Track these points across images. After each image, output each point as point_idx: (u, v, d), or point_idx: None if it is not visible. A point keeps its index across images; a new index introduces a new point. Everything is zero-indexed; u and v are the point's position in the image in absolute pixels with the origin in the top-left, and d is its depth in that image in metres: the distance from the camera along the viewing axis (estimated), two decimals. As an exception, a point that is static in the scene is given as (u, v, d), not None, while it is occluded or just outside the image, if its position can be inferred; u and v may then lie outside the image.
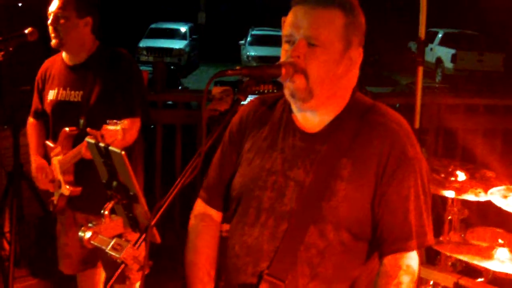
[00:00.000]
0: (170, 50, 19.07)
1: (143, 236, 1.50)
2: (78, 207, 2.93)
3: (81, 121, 2.80)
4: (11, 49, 2.99)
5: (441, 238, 3.01)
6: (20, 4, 4.63)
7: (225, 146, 1.83)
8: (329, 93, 1.62)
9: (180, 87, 11.86)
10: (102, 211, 1.60)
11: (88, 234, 1.57)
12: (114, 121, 1.88)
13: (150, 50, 18.93)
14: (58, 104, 2.92)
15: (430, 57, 17.47)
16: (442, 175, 3.06)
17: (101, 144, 1.59)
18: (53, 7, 2.86)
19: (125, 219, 1.62)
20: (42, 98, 3.03)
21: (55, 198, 2.94)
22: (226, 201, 1.82)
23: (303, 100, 1.62)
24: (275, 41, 14.04)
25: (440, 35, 18.39)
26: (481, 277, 2.87)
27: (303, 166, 1.63)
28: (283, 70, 1.56)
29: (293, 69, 1.58)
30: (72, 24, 2.85)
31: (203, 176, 1.88)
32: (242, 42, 20.39)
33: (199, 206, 1.87)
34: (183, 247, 1.85)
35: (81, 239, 1.58)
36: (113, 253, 1.51)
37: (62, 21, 2.83)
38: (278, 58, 1.68)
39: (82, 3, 2.88)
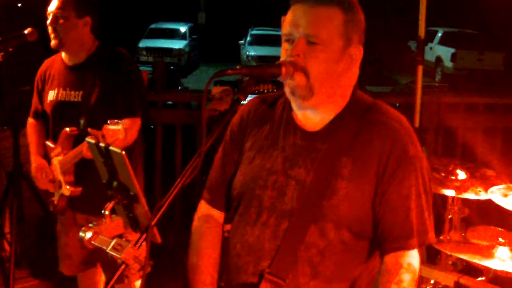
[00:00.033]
0: (170, 50, 19.06)
1: (144, 236, 1.50)
2: (78, 208, 2.93)
3: (82, 121, 2.80)
4: (10, 49, 2.99)
5: (441, 237, 3.01)
6: (19, 5, 4.63)
7: (227, 145, 1.83)
8: (329, 91, 1.62)
9: (180, 87, 11.86)
10: (102, 211, 1.60)
11: (88, 235, 1.57)
12: (115, 120, 1.88)
13: (150, 50, 18.92)
14: (58, 104, 2.92)
15: (430, 56, 17.48)
16: (442, 174, 3.06)
17: (102, 144, 1.59)
18: (52, 7, 2.86)
19: (125, 219, 1.62)
20: (41, 98, 3.03)
21: (55, 199, 2.94)
22: (228, 201, 1.82)
23: (303, 98, 1.62)
24: (275, 41, 14.03)
25: (439, 34, 18.38)
26: (481, 276, 2.87)
27: (304, 165, 1.63)
28: (283, 69, 1.56)
29: (293, 68, 1.58)
30: (71, 24, 2.85)
31: (203, 176, 1.88)
32: (242, 42, 20.40)
33: (203, 207, 1.87)
34: (183, 247, 1.84)
35: (81, 239, 1.58)
36: (113, 253, 1.51)
37: (61, 21, 2.83)
38: (278, 57, 1.68)
39: (81, 3, 2.87)
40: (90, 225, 1.59)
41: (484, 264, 2.58)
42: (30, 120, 3.14)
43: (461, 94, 6.66)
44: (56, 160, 2.88)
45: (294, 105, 1.69)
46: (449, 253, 2.82)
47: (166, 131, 5.19)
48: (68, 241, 3.02)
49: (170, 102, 6.18)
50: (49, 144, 2.94)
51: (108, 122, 1.89)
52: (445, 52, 17.84)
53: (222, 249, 1.82)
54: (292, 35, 1.61)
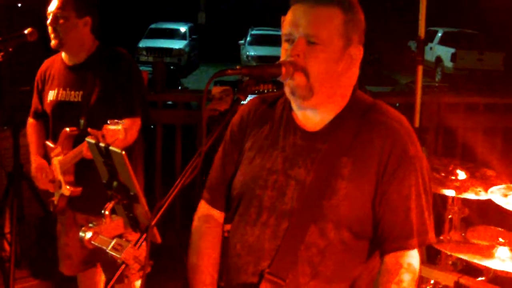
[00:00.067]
0: (170, 50, 19.06)
1: (144, 236, 1.50)
2: (78, 208, 2.93)
3: (82, 121, 2.80)
4: (10, 49, 2.99)
5: (441, 237, 3.01)
6: (19, 5, 4.63)
7: (227, 145, 1.83)
8: (329, 91, 1.62)
9: (180, 87, 11.86)
10: (102, 211, 1.59)
11: (88, 235, 1.57)
12: (115, 120, 1.88)
13: (150, 50, 18.92)
14: (58, 104, 2.92)
15: (429, 56, 17.47)
16: (442, 174, 3.06)
17: (102, 144, 1.59)
18: (52, 7, 2.86)
19: (125, 219, 1.62)
20: (41, 98, 3.03)
21: (55, 199, 2.94)
22: (228, 201, 1.82)
23: (303, 98, 1.62)
24: (275, 41, 14.04)
25: (439, 34, 18.38)
26: (481, 276, 2.87)
27: (304, 165, 1.63)
28: (283, 69, 1.56)
29: (293, 68, 1.58)
30: (71, 24, 2.85)
31: (203, 176, 1.88)
32: (242, 42, 20.40)
33: (203, 207, 1.87)
34: (183, 247, 1.84)
35: (81, 239, 1.58)
36: (114, 253, 1.51)
37: (61, 21, 2.83)
38: (278, 57, 1.68)
39: (81, 3, 2.87)
40: (90, 225, 1.59)
41: (484, 264, 2.58)
42: (30, 120, 3.14)
43: (461, 94, 6.66)
44: (56, 160, 2.88)
45: (294, 105, 1.69)
46: (449, 253, 2.82)
47: (166, 131, 5.19)
48: (68, 241, 3.02)
49: (170, 102, 6.18)
50: (49, 144, 2.94)
51: (108, 122, 1.89)
52: (445, 52, 17.84)
53: (222, 249, 1.82)
54: (292, 35, 1.61)
